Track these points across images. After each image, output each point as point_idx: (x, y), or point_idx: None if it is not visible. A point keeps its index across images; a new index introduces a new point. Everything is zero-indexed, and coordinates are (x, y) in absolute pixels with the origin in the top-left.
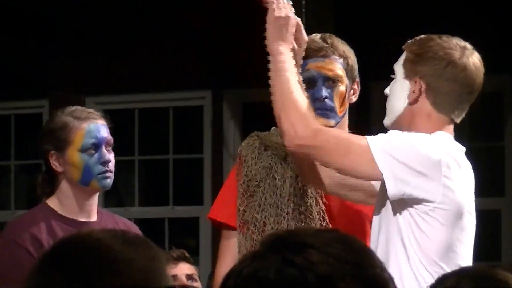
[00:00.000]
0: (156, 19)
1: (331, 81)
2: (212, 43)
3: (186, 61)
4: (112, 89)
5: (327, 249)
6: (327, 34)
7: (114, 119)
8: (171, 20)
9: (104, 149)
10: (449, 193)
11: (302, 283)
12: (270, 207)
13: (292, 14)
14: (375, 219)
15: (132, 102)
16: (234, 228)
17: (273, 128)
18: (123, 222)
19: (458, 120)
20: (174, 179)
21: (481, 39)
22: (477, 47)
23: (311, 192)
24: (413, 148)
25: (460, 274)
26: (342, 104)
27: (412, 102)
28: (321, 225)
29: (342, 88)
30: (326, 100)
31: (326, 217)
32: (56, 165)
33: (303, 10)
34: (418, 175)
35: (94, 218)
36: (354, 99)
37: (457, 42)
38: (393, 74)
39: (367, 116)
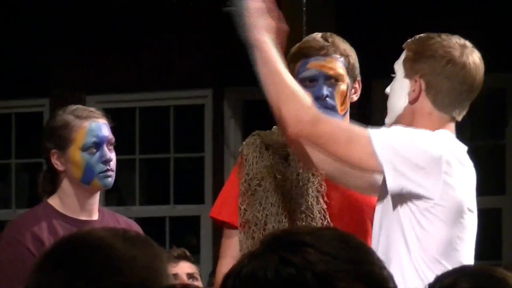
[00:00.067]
0: (157, 18)
1: (332, 80)
2: (213, 41)
3: (187, 60)
4: (113, 88)
5: (324, 248)
6: (328, 33)
7: (115, 117)
8: (172, 19)
9: (105, 148)
10: (449, 190)
11: (301, 282)
12: (271, 206)
13: (267, 2)
14: (377, 216)
15: (133, 101)
16: (235, 227)
17: (274, 127)
18: (125, 220)
19: (459, 118)
20: (175, 177)
21: (483, 36)
22: (479, 45)
23: (312, 191)
24: (414, 143)
25: (458, 272)
26: (343, 102)
27: (412, 101)
28: (322, 224)
29: (343, 86)
30: (327, 98)
31: (327, 216)
32: (57, 164)
33: (304, 8)
34: (418, 170)
35: (95, 217)
36: (355, 97)
37: (456, 41)
38: (394, 73)
39: (368, 115)
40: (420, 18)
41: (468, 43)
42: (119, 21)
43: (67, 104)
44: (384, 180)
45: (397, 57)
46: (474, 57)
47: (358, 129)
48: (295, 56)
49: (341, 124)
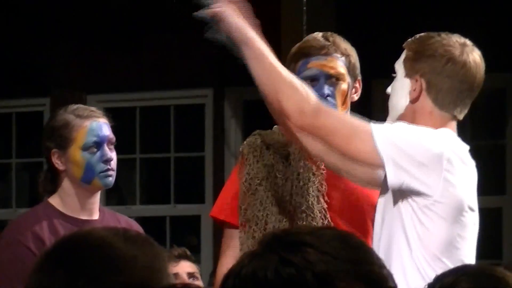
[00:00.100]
0: (157, 17)
1: (333, 79)
2: (213, 41)
3: (187, 59)
4: (113, 87)
5: (324, 248)
6: (329, 33)
7: (115, 117)
8: (173, 19)
9: (106, 148)
10: (450, 188)
11: (301, 282)
12: (271, 206)
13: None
14: (378, 213)
15: (133, 100)
16: (236, 227)
17: (275, 126)
18: (125, 220)
19: (460, 117)
20: (176, 177)
21: (483, 36)
22: (479, 44)
23: (313, 191)
24: (416, 139)
25: (458, 272)
26: (344, 102)
27: (413, 100)
28: (322, 223)
29: (344, 86)
30: (328, 98)
31: (328, 216)
32: (58, 163)
33: (305, 8)
34: (418, 166)
35: (96, 216)
36: (356, 97)
37: (456, 39)
38: (394, 72)
39: (369, 114)
40: (420, 18)
41: (468, 42)
42: (119, 20)
43: (67, 104)
44: (385, 175)
45: (397, 57)
46: (475, 56)
47: (360, 123)
48: (296, 55)
49: (343, 117)
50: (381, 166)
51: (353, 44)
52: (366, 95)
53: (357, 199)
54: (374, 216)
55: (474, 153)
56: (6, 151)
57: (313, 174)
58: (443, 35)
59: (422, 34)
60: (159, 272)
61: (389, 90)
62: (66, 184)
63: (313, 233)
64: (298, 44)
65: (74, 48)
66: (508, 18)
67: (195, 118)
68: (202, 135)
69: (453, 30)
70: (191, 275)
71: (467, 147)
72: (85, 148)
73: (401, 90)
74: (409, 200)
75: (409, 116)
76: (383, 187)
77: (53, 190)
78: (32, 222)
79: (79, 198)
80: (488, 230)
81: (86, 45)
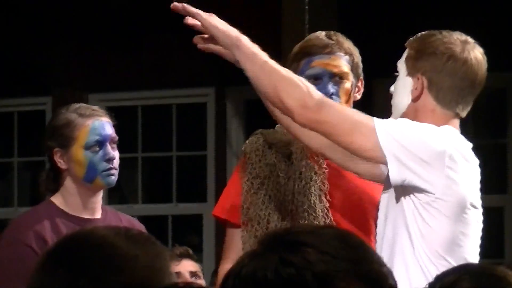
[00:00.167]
0: (159, 16)
1: (337, 78)
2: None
3: (189, 59)
4: (115, 86)
5: (324, 247)
6: (332, 32)
7: (117, 116)
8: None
9: (108, 146)
10: (452, 185)
11: (300, 282)
12: (273, 205)
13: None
14: (381, 211)
15: (135, 99)
16: (238, 226)
17: (277, 125)
18: (127, 219)
19: (463, 114)
20: (178, 176)
21: (483, 36)
22: (480, 44)
23: (315, 190)
24: (419, 136)
25: (458, 271)
26: (347, 101)
27: (415, 99)
28: (325, 222)
29: (347, 84)
30: (332, 96)
31: (330, 215)
32: (60, 162)
33: (307, 7)
34: (420, 162)
35: (98, 215)
36: (358, 96)
37: (457, 37)
38: (396, 71)
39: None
40: (421, 17)
41: (470, 39)
42: (121, 19)
43: (69, 103)
44: (388, 171)
45: (398, 56)
46: (476, 53)
47: (363, 117)
48: (299, 54)
49: (346, 111)
50: (383, 162)
51: (355, 43)
52: (367, 95)
53: (359, 198)
54: (376, 215)
55: (476, 152)
56: (8, 150)
57: (315, 173)
58: (444, 33)
59: (423, 32)
60: (160, 271)
61: (392, 89)
62: (68, 183)
63: (313, 233)
64: (300, 43)
65: (76, 47)
66: (509, 17)
67: (197, 117)
68: (204, 134)
69: (455, 28)
70: (193, 274)
71: (470, 144)
72: (88, 147)
73: (403, 89)
74: (412, 197)
75: (412, 115)
76: (386, 184)
77: (55, 189)
78: (34, 221)
79: (82, 197)
80: (490, 229)
81: (88, 44)
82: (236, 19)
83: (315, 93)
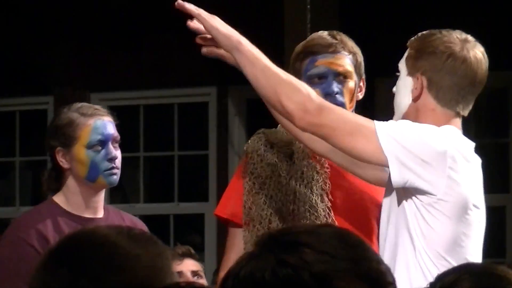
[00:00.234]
0: (160, 16)
1: (342, 77)
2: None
3: (190, 58)
4: (117, 86)
5: (321, 247)
6: (335, 31)
7: (119, 115)
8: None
9: (110, 146)
10: (454, 185)
11: (298, 282)
12: (275, 204)
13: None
14: (384, 212)
15: (137, 98)
16: (240, 225)
17: (279, 125)
18: (130, 218)
19: (465, 113)
20: (179, 175)
21: (485, 35)
22: (482, 43)
23: (317, 189)
24: (419, 137)
25: (459, 271)
26: (351, 100)
27: (415, 99)
28: (326, 222)
29: (351, 84)
30: (337, 95)
31: (332, 214)
32: (62, 162)
33: (308, 7)
34: (422, 164)
35: (100, 214)
36: (360, 96)
37: (457, 36)
38: (398, 71)
39: (372, 113)
40: (422, 17)
41: (470, 38)
42: (122, 19)
43: (71, 102)
44: (389, 173)
45: (400, 55)
46: (476, 51)
47: (363, 120)
48: (302, 54)
49: (346, 114)
50: (385, 164)
51: (356, 42)
52: (369, 94)
53: (361, 198)
54: (378, 215)
55: (477, 152)
56: (9, 149)
57: (317, 172)
58: (444, 32)
59: (424, 32)
60: (162, 271)
61: (394, 89)
62: (70, 182)
63: (310, 232)
64: (303, 43)
65: (77, 47)
66: (509, 17)
67: (198, 117)
68: (205, 134)
69: (456, 28)
70: (195, 273)
71: (472, 144)
72: (90, 146)
73: (404, 89)
74: (413, 198)
75: (413, 115)
76: (388, 185)
77: (57, 189)
78: (36, 220)
79: (84, 196)
80: (492, 229)
81: (89, 43)
82: (238, 19)
83: (315, 97)
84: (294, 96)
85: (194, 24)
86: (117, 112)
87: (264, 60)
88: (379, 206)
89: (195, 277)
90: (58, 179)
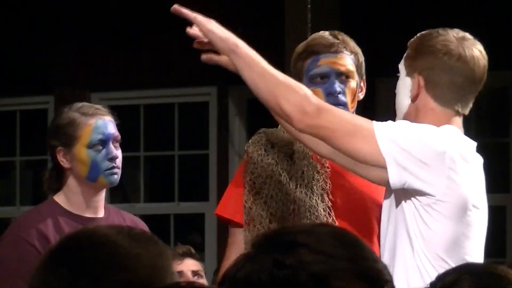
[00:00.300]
0: (160, 16)
1: (344, 77)
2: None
3: (190, 57)
4: (117, 85)
5: (318, 247)
6: (336, 31)
7: (119, 115)
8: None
9: (111, 145)
10: (453, 186)
11: (296, 283)
12: (276, 204)
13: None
14: (384, 212)
15: (137, 98)
16: (240, 225)
17: (280, 125)
18: (130, 218)
19: (465, 112)
20: (180, 175)
21: (484, 35)
22: (482, 42)
23: (317, 189)
24: (418, 138)
25: (459, 271)
26: (353, 100)
27: (413, 99)
28: (327, 222)
29: (353, 83)
30: (339, 95)
31: (333, 214)
32: (63, 161)
33: (309, 6)
34: (421, 165)
35: (101, 214)
36: (361, 96)
37: (454, 34)
38: (399, 72)
39: (373, 113)
40: (423, 17)
41: (468, 36)
42: (123, 18)
43: (71, 102)
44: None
45: (400, 55)
46: (473, 49)
47: (362, 121)
48: (304, 53)
49: (344, 115)
50: (383, 165)
51: (357, 42)
52: (370, 94)
53: (362, 197)
54: (379, 215)
55: (478, 151)
56: (10, 149)
57: (318, 172)
58: (442, 31)
59: (423, 32)
60: (163, 271)
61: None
62: (71, 182)
63: (306, 232)
64: (304, 42)
65: (77, 46)
66: (509, 17)
67: (199, 116)
68: (206, 133)
69: (457, 27)
70: (195, 273)
71: (473, 144)
72: (91, 146)
73: (403, 89)
74: (412, 199)
75: (413, 115)
76: (388, 186)
77: (58, 188)
78: (37, 220)
79: (84, 196)
80: (492, 229)
81: (90, 43)
82: (238, 19)
83: (314, 98)
84: (292, 98)
85: (193, 31)
86: (117, 112)
87: (261, 63)
88: (379, 206)
89: (196, 277)
90: (58, 178)
